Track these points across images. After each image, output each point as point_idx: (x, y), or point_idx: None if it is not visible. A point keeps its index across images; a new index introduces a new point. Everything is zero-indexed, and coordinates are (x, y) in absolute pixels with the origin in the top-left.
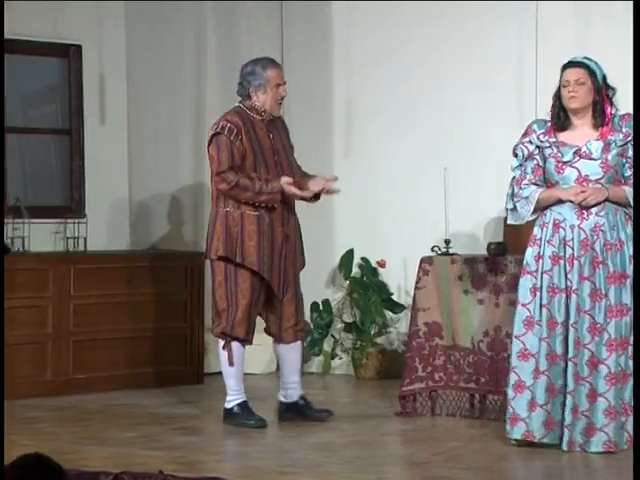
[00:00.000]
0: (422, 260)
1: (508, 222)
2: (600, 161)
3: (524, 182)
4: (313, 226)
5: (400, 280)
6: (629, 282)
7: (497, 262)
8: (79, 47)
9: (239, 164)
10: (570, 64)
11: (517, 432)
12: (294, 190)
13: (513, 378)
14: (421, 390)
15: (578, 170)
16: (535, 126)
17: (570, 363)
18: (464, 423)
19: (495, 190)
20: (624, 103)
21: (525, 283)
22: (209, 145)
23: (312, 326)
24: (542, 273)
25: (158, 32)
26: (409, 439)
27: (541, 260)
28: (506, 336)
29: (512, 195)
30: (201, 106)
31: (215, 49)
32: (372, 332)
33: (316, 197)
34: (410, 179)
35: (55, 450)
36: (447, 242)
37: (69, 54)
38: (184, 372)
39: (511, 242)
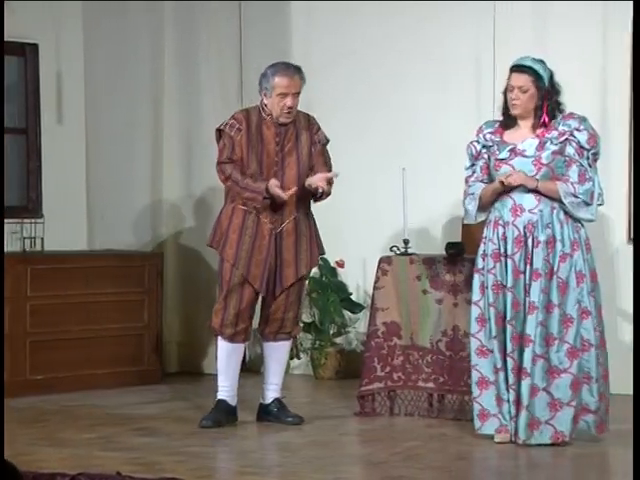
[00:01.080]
0: (381, 260)
1: (464, 222)
2: (533, 159)
3: (472, 180)
4: None
5: (359, 280)
6: (556, 279)
7: (455, 262)
8: (35, 46)
9: (238, 157)
10: (517, 68)
11: (489, 428)
12: (278, 192)
13: (476, 375)
14: (380, 390)
15: (512, 167)
16: (484, 126)
17: (509, 359)
18: (422, 423)
19: (453, 190)
20: (578, 101)
21: (475, 281)
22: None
23: None
24: (487, 271)
25: (116, 31)
26: (367, 439)
27: (486, 258)
28: (464, 335)
29: (464, 194)
30: (159, 106)
31: (173, 49)
32: (331, 332)
33: (318, 198)
34: (369, 179)
35: (11, 452)
36: (406, 242)
37: (25, 53)
38: (143, 372)
39: (469, 242)
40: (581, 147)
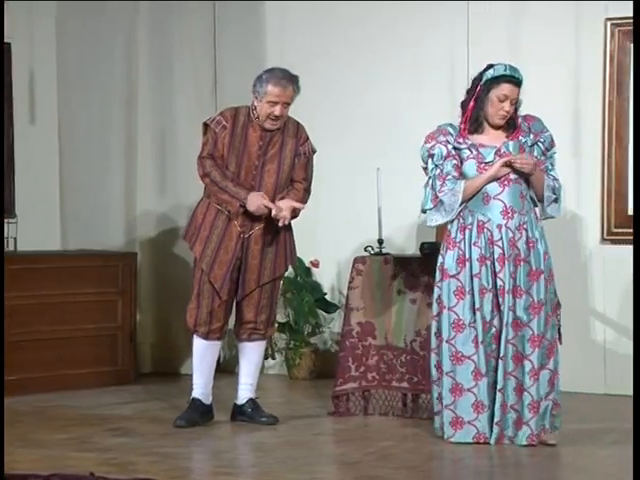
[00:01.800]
0: (355, 260)
1: (428, 224)
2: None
3: (447, 178)
4: None
5: (333, 280)
6: (542, 278)
7: (430, 262)
8: (8, 45)
9: (219, 154)
10: (511, 79)
11: (464, 436)
12: (266, 202)
13: (449, 382)
14: (354, 390)
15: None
16: (450, 128)
17: (501, 362)
18: (397, 422)
19: None
20: (551, 101)
21: (449, 287)
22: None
23: None
24: (472, 276)
25: (89, 31)
26: (342, 439)
27: (468, 263)
28: None
29: (434, 193)
30: (132, 105)
31: (147, 48)
32: (305, 332)
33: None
34: (343, 179)
35: None
36: (380, 242)
37: None
38: (117, 373)
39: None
40: (546, 148)
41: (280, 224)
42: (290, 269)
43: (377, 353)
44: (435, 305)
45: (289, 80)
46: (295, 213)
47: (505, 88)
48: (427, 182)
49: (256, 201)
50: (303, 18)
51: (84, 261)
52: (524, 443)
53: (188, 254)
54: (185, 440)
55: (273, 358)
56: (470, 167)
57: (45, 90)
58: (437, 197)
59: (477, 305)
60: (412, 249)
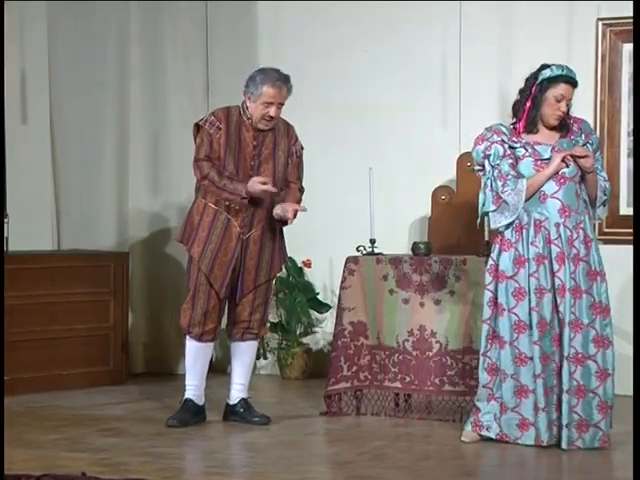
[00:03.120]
0: (347, 260)
1: (492, 227)
2: (573, 159)
3: (508, 177)
4: None
5: (326, 280)
6: (599, 279)
7: (422, 262)
8: None
9: (215, 155)
10: (568, 79)
11: (528, 438)
12: (263, 186)
13: (514, 384)
14: (346, 389)
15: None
16: (503, 128)
17: (566, 362)
18: (389, 422)
19: (420, 190)
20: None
21: (507, 288)
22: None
23: None
24: (528, 276)
25: (81, 31)
26: (334, 439)
27: (527, 263)
28: (431, 335)
29: (496, 194)
30: (125, 106)
31: (139, 49)
32: (298, 332)
33: (284, 221)
34: (335, 179)
35: None
36: (372, 242)
37: None
38: (109, 373)
39: (435, 242)
40: (594, 150)
41: (290, 223)
42: (283, 269)
43: (369, 353)
44: (487, 308)
45: (284, 81)
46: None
47: (562, 88)
48: (485, 184)
49: (255, 187)
50: (296, 19)
51: (76, 261)
52: (596, 445)
53: (180, 254)
54: (177, 440)
55: (265, 358)
56: (526, 166)
57: (37, 90)
58: (500, 198)
59: (533, 305)
60: (404, 249)
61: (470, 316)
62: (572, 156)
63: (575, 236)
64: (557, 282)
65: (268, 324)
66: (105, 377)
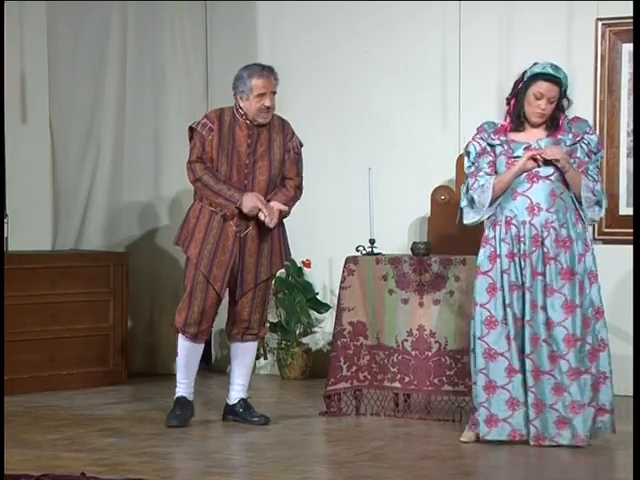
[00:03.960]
0: (347, 260)
1: (464, 222)
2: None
3: (479, 174)
4: None
5: (325, 280)
6: (576, 280)
7: (421, 262)
8: None
9: (208, 157)
10: (548, 78)
11: (499, 433)
12: (261, 205)
13: (482, 379)
14: (346, 389)
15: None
16: (486, 126)
17: (528, 360)
18: (388, 422)
19: (420, 190)
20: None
21: (481, 284)
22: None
23: None
24: (501, 272)
25: (80, 31)
26: (333, 438)
27: (498, 259)
28: (430, 335)
29: (467, 190)
30: (124, 105)
31: (138, 48)
32: (297, 332)
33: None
34: (335, 179)
35: None
36: (372, 242)
37: None
38: (108, 373)
39: (435, 242)
40: (591, 150)
41: (271, 226)
42: (282, 269)
43: (369, 353)
44: (473, 306)
45: (269, 70)
46: (283, 214)
47: (541, 86)
48: (464, 180)
49: (250, 202)
50: (295, 18)
51: (75, 261)
52: (570, 443)
53: (179, 254)
54: (176, 440)
55: (265, 358)
56: (500, 162)
57: (36, 90)
58: (469, 194)
59: (507, 301)
60: (404, 249)
61: (469, 316)
62: (536, 158)
63: (545, 235)
64: (524, 279)
65: (268, 324)
66: (104, 377)
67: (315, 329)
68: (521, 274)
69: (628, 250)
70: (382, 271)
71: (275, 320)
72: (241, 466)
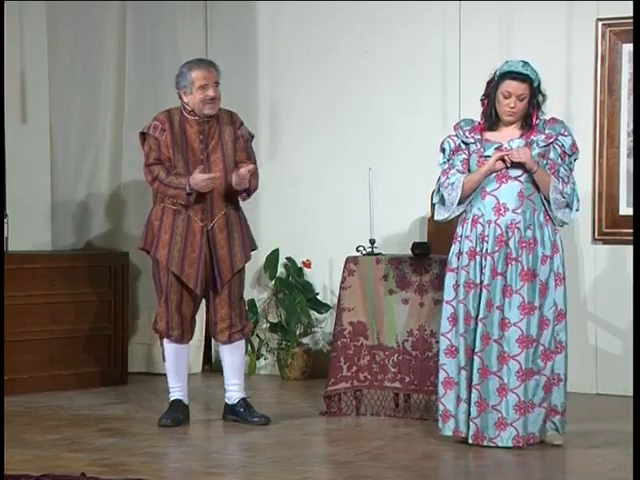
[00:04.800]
0: (347, 260)
1: (434, 219)
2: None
3: (451, 172)
4: None
5: (325, 280)
6: (538, 281)
7: (421, 262)
8: None
9: (164, 157)
10: (515, 76)
11: (448, 429)
12: (205, 176)
13: (442, 375)
14: (346, 390)
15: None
16: (462, 123)
17: (476, 357)
18: (389, 422)
19: (419, 190)
20: (546, 103)
21: (449, 280)
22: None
23: None
24: (460, 269)
25: (80, 30)
26: (334, 439)
27: (461, 256)
28: (430, 335)
29: (438, 188)
30: (123, 105)
31: (137, 48)
32: (297, 332)
33: (247, 193)
34: (335, 179)
35: None
36: (372, 242)
37: None
38: (108, 373)
39: (435, 242)
40: (565, 152)
41: (243, 186)
42: (282, 269)
43: (369, 353)
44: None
45: (207, 62)
46: (253, 185)
47: (509, 85)
48: (438, 178)
49: (198, 179)
50: (295, 19)
51: (75, 261)
52: (509, 445)
53: None
54: (176, 440)
55: (265, 358)
56: (473, 161)
57: (36, 89)
58: (440, 191)
59: (461, 297)
60: (404, 249)
61: None
62: (504, 159)
63: (510, 235)
64: (482, 278)
65: (251, 322)
66: (104, 377)
67: (315, 329)
68: (480, 272)
69: (628, 250)
70: (382, 271)
71: (275, 320)
72: (241, 466)
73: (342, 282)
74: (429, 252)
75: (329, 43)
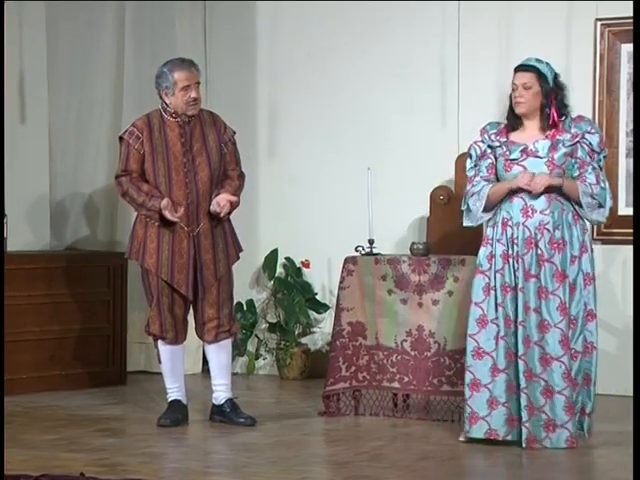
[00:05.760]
0: (346, 260)
1: (463, 224)
2: (546, 159)
3: (476, 179)
4: (237, 226)
5: (324, 280)
6: (567, 282)
7: (420, 262)
8: None
9: (133, 168)
10: (519, 68)
11: (478, 431)
12: (169, 216)
13: (469, 377)
14: (345, 390)
15: (525, 168)
16: (488, 127)
17: (520, 361)
18: (387, 422)
19: (418, 190)
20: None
21: (478, 282)
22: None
23: None
24: (495, 272)
25: (79, 31)
26: (332, 439)
27: (493, 259)
28: (429, 335)
29: (465, 195)
30: (118, 108)
31: (136, 49)
32: (296, 332)
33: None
34: (334, 179)
35: None
36: (371, 242)
37: None
38: (107, 373)
39: (434, 242)
40: (593, 150)
41: (222, 215)
42: (281, 269)
43: (368, 353)
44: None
45: (189, 62)
46: (234, 205)
47: (514, 77)
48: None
49: (166, 214)
50: (294, 19)
51: (74, 261)
52: (563, 446)
53: None
54: (175, 440)
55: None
56: (500, 165)
57: (35, 90)
58: (467, 199)
59: (499, 301)
60: (403, 249)
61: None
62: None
63: (539, 237)
64: (517, 281)
65: (238, 323)
66: (103, 377)
67: (314, 329)
68: (514, 275)
69: (627, 250)
70: (381, 271)
71: (274, 320)
72: (240, 466)
73: (341, 282)
74: (428, 252)
75: (328, 44)
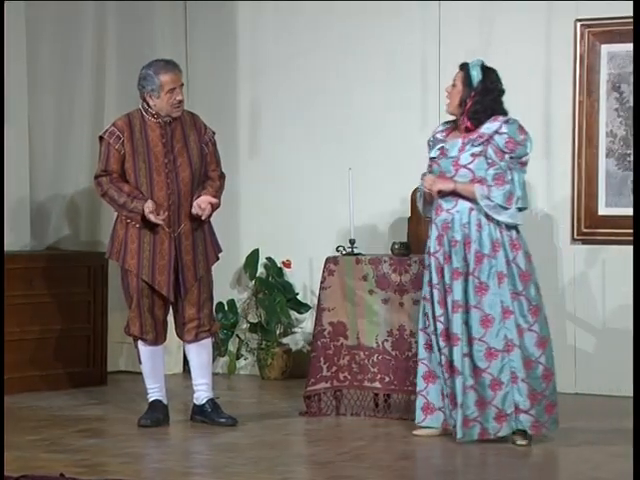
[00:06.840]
0: (327, 260)
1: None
2: (453, 159)
3: (423, 174)
4: (218, 226)
5: (305, 280)
6: (472, 280)
7: (401, 262)
8: None
9: (114, 168)
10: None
11: (434, 421)
12: (153, 218)
13: (422, 369)
14: (326, 390)
15: (440, 166)
16: (440, 125)
17: (441, 355)
18: (368, 422)
19: (399, 190)
20: (522, 102)
21: (424, 277)
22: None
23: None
24: (426, 268)
25: (59, 31)
26: (314, 439)
27: (427, 256)
28: (410, 335)
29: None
30: (102, 106)
31: (117, 49)
32: (277, 332)
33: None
34: (315, 179)
35: None
36: (352, 242)
37: None
38: (88, 373)
39: (415, 242)
40: (500, 150)
41: (203, 218)
42: (262, 269)
43: (349, 353)
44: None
45: (172, 64)
46: (215, 206)
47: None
48: None
49: (150, 216)
50: (275, 19)
51: (54, 261)
52: (475, 438)
53: None
54: (157, 441)
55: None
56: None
57: (15, 90)
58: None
59: (427, 296)
60: (384, 249)
61: None
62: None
63: (443, 235)
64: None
65: (218, 322)
66: (84, 378)
67: (295, 329)
68: (435, 272)
69: (607, 250)
70: (362, 271)
71: (255, 320)
72: (221, 466)
73: (322, 282)
74: (409, 252)
75: (309, 43)
